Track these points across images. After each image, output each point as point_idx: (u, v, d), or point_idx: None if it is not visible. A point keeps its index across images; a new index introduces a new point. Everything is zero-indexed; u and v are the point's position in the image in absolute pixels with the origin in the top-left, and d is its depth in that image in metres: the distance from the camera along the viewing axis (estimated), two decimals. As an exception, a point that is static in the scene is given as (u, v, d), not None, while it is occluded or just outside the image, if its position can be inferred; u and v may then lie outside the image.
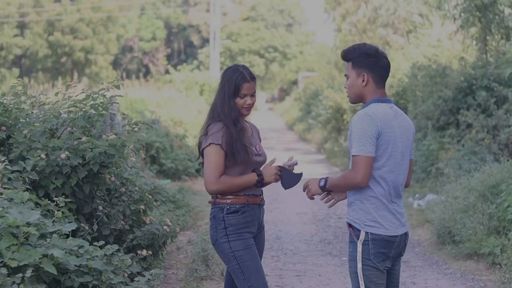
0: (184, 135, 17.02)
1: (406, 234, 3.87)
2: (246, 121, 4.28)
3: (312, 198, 3.95)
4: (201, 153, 4.16)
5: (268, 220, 10.45)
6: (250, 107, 4.16)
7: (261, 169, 4.14)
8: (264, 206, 4.25)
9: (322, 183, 3.86)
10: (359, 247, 3.75)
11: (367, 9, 25.20)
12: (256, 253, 4.10)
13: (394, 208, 3.80)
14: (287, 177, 4.13)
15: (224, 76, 4.18)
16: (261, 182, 4.10)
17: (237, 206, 4.07)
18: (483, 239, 7.60)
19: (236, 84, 4.10)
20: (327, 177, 3.87)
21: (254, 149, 4.15)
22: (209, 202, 4.17)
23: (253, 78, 4.16)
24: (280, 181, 4.13)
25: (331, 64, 34.63)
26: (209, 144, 4.05)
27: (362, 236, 3.74)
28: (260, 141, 4.34)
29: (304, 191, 3.94)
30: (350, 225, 3.82)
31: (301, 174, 4.14)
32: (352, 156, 3.72)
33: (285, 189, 4.17)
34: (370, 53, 3.83)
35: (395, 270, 3.91)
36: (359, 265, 3.75)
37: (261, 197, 4.18)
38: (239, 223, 4.07)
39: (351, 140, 3.75)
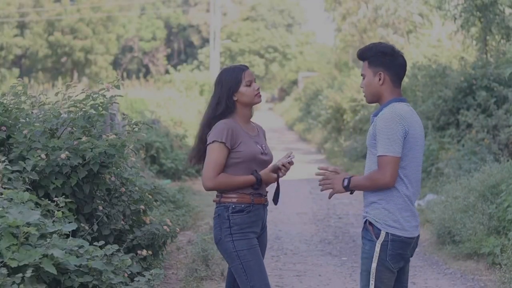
0: (184, 135, 17.02)
1: (418, 236, 3.88)
2: (252, 122, 4.29)
3: (330, 197, 3.92)
4: (201, 157, 4.16)
5: (268, 220, 10.37)
6: (259, 93, 4.17)
7: (260, 173, 4.14)
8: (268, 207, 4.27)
9: (345, 183, 3.82)
10: (377, 247, 3.74)
11: (367, 9, 25.19)
12: (260, 254, 4.11)
13: (414, 208, 3.81)
14: (276, 194, 4.27)
15: (218, 80, 4.19)
16: (259, 184, 4.11)
17: (242, 206, 4.08)
18: (483, 239, 7.60)
19: (236, 76, 4.13)
20: (350, 177, 3.83)
21: (260, 147, 4.16)
22: (214, 200, 4.16)
23: (247, 67, 4.21)
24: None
25: (331, 64, 34.65)
26: (213, 141, 4.05)
27: (382, 236, 3.74)
28: (266, 140, 4.34)
29: (320, 185, 3.90)
30: (370, 223, 3.80)
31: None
32: (379, 156, 3.70)
33: (275, 203, 4.30)
34: (386, 51, 3.82)
35: (405, 270, 3.92)
36: (374, 265, 3.74)
37: (265, 197, 4.19)
38: (244, 222, 4.07)
39: (374, 139, 3.74)
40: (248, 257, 4.05)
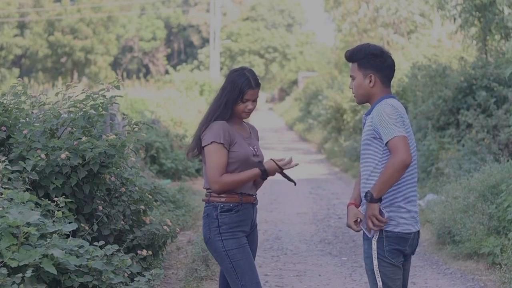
0: (184, 135, 17.02)
1: (418, 232, 3.89)
2: (244, 122, 4.30)
3: (382, 223, 3.74)
4: (200, 150, 4.17)
5: (268, 220, 10.45)
6: (250, 112, 4.20)
7: (264, 163, 4.17)
8: (257, 206, 4.28)
9: (368, 198, 3.71)
10: (373, 245, 3.77)
11: (368, 9, 25.18)
12: (249, 252, 4.11)
13: (410, 205, 3.81)
14: (288, 177, 4.23)
15: (229, 78, 4.20)
16: (265, 175, 4.12)
17: (231, 205, 4.09)
18: (483, 239, 7.60)
19: (241, 89, 4.13)
20: (368, 191, 3.73)
21: (252, 149, 4.17)
22: (203, 200, 4.18)
23: (258, 85, 4.19)
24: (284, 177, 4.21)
25: (331, 64, 34.65)
26: (211, 142, 4.06)
27: (377, 233, 3.76)
28: (258, 141, 4.35)
29: (369, 227, 3.78)
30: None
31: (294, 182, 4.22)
32: (387, 142, 3.67)
33: (295, 184, 4.24)
34: (376, 53, 3.85)
35: (405, 270, 3.93)
36: (375, 262, 3.77)
37: (254, 196, 4.20)
38: (233, 221, 4.08)
39: (372, 139, 3.76)
40: (238, 256, 4.05)
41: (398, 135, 3.66)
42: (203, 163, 4.19)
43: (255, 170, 4.10)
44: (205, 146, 4.09)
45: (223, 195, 4.09)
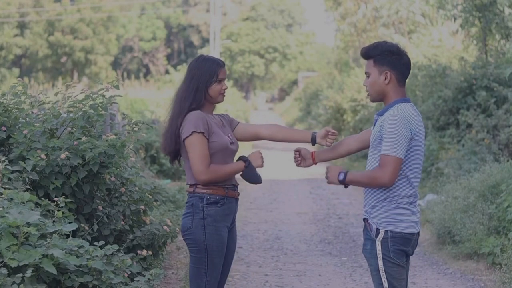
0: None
1: (418, 232, 3.90)
2: (214, 114, 4.23)
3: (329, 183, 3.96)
4: (179, 145, 4.12)
5: (268, 220, 10.45)
6: (224, 93, 4.19)
7: (249, 155, 4.15)
8: (244, 203, 4.26)
9: (341, 177, 3.83)
10: (378, 245, 3.76)
11: (367, 9, 25.17)
12: (224, 251, 4.10)
13: (412, 206, 3.82)
14: (251, 172, 4.13)
15: (192, 67, 4.16)
16: (249, 166, 4.10)
17: (217, 197, 4.06)
18: (483, 239, 7.60)
19: (212, 69, 4.12)
20: (347, 171, 3.85)
21: (228, 137, 4.14)
22: (187, 190, 4.13)
23: (224, 64, 4.21)
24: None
25: (331, 64, 34.64)
26: (191, 133, 4.01)
27: (381, 234, 3.76)
28: (231, 129, 4.27)
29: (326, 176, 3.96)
30: (369, 222, 3.82)
31: (259, 179, 4.14)
32: (382, 154, 3.71)
33: (244, 179, 4.16)
34: (392, 50, 3.82)
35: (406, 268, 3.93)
36: (380, 263, 3.76)
37: (237, 191, 4.18)
38: (218, 214, 4.05)
39: (380, 140, 3.76)
40: (215, 254, 4.04)
41: (394, 156, 3.68)
42: (184, 158, 4.13)
43: (240, 163, 4.08)
44: (186, 137, 4.04)
45: (209, 187, 4.05)
